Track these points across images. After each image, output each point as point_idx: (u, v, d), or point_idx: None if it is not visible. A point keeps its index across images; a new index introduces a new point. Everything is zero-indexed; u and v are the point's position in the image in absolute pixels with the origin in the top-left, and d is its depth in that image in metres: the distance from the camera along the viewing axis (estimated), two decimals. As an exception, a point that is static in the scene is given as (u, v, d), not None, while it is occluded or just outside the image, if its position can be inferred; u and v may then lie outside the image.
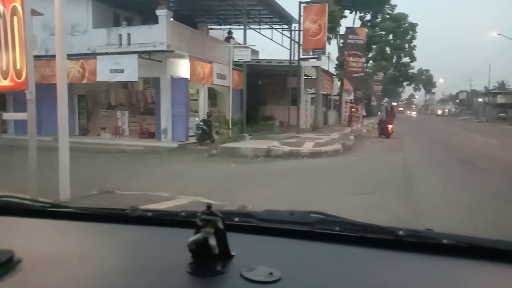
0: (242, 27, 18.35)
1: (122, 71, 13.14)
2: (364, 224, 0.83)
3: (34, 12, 4.82)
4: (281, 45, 21.06)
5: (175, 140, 14.17)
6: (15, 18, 4.50)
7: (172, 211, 0.89)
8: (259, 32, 19.73)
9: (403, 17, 36.30)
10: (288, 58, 20.00)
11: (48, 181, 5.30)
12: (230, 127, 14.96)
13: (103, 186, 6.55)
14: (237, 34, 20.44)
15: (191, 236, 0.70)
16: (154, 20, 14.43)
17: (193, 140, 14.39)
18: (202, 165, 10.49)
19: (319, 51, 18.65)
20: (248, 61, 15.16)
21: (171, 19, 14.19)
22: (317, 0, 18.94)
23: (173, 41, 13.81)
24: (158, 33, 13.72)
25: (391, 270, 0.74)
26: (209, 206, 0.73)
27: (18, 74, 4.61)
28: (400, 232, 0.80)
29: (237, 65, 15.94)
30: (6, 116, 5.13)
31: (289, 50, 20.40)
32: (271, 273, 0.67)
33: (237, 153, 11.92)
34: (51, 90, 12.28)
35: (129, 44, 14.12)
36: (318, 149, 12.34)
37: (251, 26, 19.03)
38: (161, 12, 13.62)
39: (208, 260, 0.68)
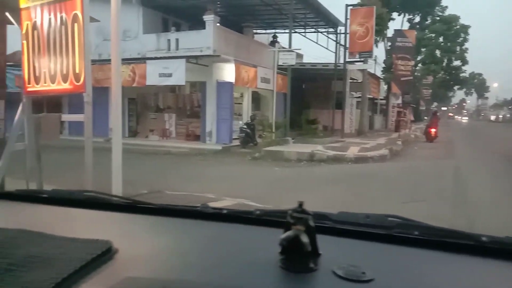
0: (287, 31, 18.39)
1: (170, 75, 13.55)
2: (443, 228, 0.81)
3: (91, 19, 5.07)
4: (327, 48, 20.86)
5: (220, 143, 14.39)
6: (75, 25, 4.75)
7: (246, 210, 0.90)
8: (304, 36, 19.65)
9: (454, 19, 34.83)
10: (333, 62, 19.74)
11: (101, 180, 5.54)
12: (273, 130, 14.97)
13: (152, 186, 6.78)
14: (282, 38, 20.54)
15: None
16: (201, 25, 14.77)
17: (236, 143, 14.55)
18: (245, 168, 10.57)
19: (366, 54, 18.28)
20: (292, 65, 15.12)
21: (218, 24, 14.46)
22: (364, 3, 18.59)
23: (219, 45, 14.07)
24: (205, 38, 14.02)
25: (476, 276, 0.72)
26: (300, 204, 0.74)
27: (77, 77, 4.84)
28: (484, 239, 0.79)
29: (281, 69, 15.96)
30: (64, 118, 5.42)
31: (334, 53, 20.16)
32: (364, 273, 0.68)
33: (280, 156, 11.91)
34: (102, 93, 13.03)
35: (177, 49, 14.55)
36: (364, 154, 12.06)
37: (296, 30, 18.98)
38: (208, 18, 13.91)
39: (297, 257, 0.68)
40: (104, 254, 0.66)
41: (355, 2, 18.93)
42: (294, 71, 15.88)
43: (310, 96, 22.39)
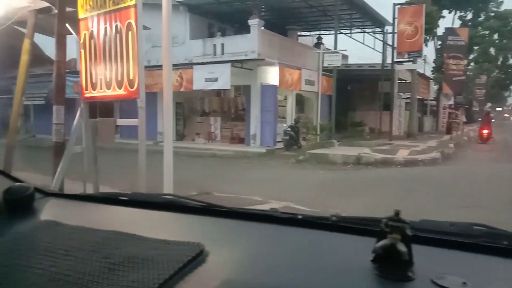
0: (332, 32, 18.16)
1: (216, 79, 13.80)
2: None
3: (143, 27, 5.27)
4: (373, 49, 20.35)
5: (264, 146, 14.44)
6: (129, 33, 4.95)
7: (321, 216, 0.90)
8: (350, 37, 19.30)
9: (511, 14, 32.74)
10: (380, 62, 19.23)
11: (153, 181, 5.74)
12: (318, 133, 14.80)
13: (200, 187, 6.92)
14: (326, 39, 20.27)
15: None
16: (246, 29, 14.93)
17: (280, 145, 14.53)
18: (290, 171, 10.53)
19: (415, 54, 17.65)
20: (338, 66, 14.90)
21: (262, 28, 14.55)
22: (413, 1, 17.98)
23: (263, 49, 14.15)
24: (250, 42, 14.15)
25: None
26: (397, 213, 0.73)
27: (131, 84, 5.04)
28: None
29: (326, 71, 15.77)
30: (119, 122, 5.67)
31: (381, 54, 19.62)
32: (464, 283, 0.65)
33: (325, 159, 11.75)
34: (151, 98, 13.44)
35: (222, 53, 14.79)
36: (414, 157, 11.63)
37: (342, 31, 18.69)
38: (253, 22, 14.04)
39: (391, 265, 0.67)
40: (197, 257, 0.68)
41: (403, 1, 18.29)
42: (339, 73, 15.64)
43: (355, 97, 21.92)
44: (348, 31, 19.51)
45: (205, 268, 0.67)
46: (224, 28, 17.54)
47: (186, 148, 14.01)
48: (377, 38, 20.44)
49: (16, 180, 0.94)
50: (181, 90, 14.96)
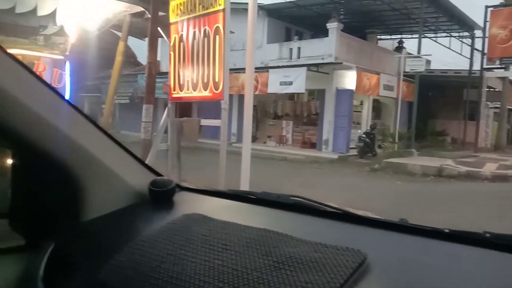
0: (414, 36, 17.30)
1: (291, 83, 13.80)
2: None
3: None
4: (460, 54, 19.00)
5: (336, 152, 14.14)
6: (217, 37, 5.12)
7: (469, 231, 0.83)
8: (435, 41, 18.22)
9: None
10: (467, 68, 17.90)
11: (229, 181, 5.87)
12: (396, 141, 14.14)
13: (272, 190, 6.93)
14: (407, 43, 19.32)
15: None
16: (322, 33, 14.75)
17: (354, 152, 14.13)
18: (364, 179, 10.17)
19: (508, 60, 16.16)
20: (421, 72, 14.13)
21: (341, 31, 14.29)
22: (508, 3, 16.48)
23: (341, 53, 13.87)
24: (327, 45, 13.96)
25: None
26: None
27: (216, 86, 5.20)
28: None
29: (406, 76, 15.04)
30: (203, 122, 5.89)
31: (468, 59, 18.26)
32: None
33: (403, 169, 11.18)
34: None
35: (298, 57, 14.77)
36: (504, 172, 10.62)
37: (426, 34, 17.71)
38: (332, 25, 13.84)
39: None
40: (361, 264, 0.65)
41: (497, 3, 16.84)
42: (421, 78, 14.83)
43: (437, 105, 20.60)
44: (433, 35, 18.43)
45: (370, 278, 0.63)
46: (301, 32, 17.49)
47: (257, 150, 14.16)
48: (465, 43, 19.07)
49: (157, 174, 1.00)
50: (256, 93, 15.18)
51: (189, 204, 0.97)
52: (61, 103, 0.81)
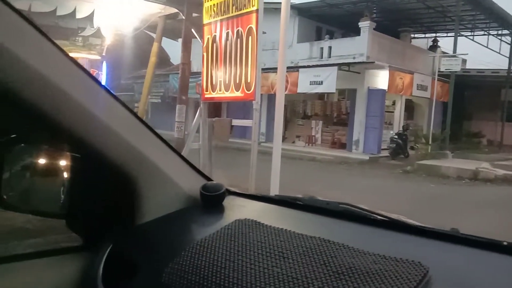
0: (450, 34, 16.77)
1: (321, 83, 13.69)
2: None
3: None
4: (498, 53, 18.26)
5: (367, 153, 13.92)
6: (250, 37, 5.14)
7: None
8: (471, 39, 17.59)
9: None
10: (506, 67, 17.19)
11: (258, 180, 5.88)
12: (430, 142, 13.74)
13: (302, 190, 6.91)
14: (442, 42, 18.75)
15: None
16: (354, 32, 14.52)
17: (385, 153, 13.86)
18: (396, 182, 9.95)
19: (551, 59, 15.41)
20: (456, 71, 13.68)
21: (373, 30, 14.04)
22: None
23: (373, 52, 13.63)
24: (359, 45, 13.75)
25: None
26: None
27: (248, 86, 5.22)
28: None
29: (441, 75, 14.59)
30: (235, 122, 5.93)
31: (508, 58, 17.52)
32: None
33: (437, 172, 10.86)
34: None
35: (329, 56, 14.61)
36: (545, 177, 10.14)
37: (462, 33, 17.13)
38: (364, 24, 13.62)
39: None
40: (423, 278, 0.64)
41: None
42: (455, 78, 14.37)
43: (473, 105, 19.87)
44: (470, 33, 17.79)
45: None
46: (332, 31, 17.29)
47: (286, 150, 14.09)
48: (504, 41, 18.30)
49: (207, 178, 1.01)
50: (285, 93, 15.12)
51: (239, 209, 0.98)
52: (116, 105, 0.82)
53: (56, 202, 0.89)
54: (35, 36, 0.68)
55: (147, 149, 0.85)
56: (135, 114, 0.85)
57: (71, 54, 0.75)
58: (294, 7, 15.66)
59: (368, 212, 0.92)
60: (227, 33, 5.46)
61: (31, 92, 0.68)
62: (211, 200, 0.94)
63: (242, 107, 13.46)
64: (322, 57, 14.92)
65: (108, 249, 0.84)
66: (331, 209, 0.93)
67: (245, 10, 5.09)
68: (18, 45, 0.65)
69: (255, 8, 4.95)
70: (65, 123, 0.73)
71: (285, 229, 0.79)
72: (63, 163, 0.90)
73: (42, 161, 0.90)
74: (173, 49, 16.27)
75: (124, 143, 0.81)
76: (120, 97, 0.86)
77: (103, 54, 7.02)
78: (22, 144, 0.88)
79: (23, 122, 0.82)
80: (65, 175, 0.89)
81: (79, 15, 6.89)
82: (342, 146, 15.23)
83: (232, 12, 5.30)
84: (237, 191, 1.07)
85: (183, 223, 0.91)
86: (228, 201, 0.98)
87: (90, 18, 6.97)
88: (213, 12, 5.65)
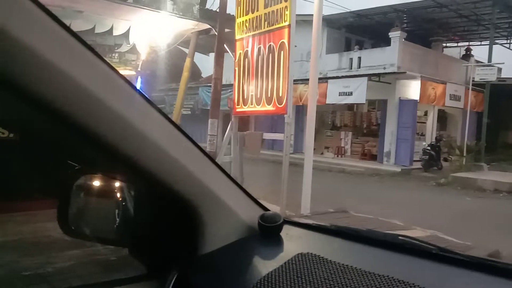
0: (483, 43, 16.32)
1: (350, 93, 13.58)
2: None
3: (293, 46, 5.46)
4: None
5: (398, 164, 13.64)
6: (281, 52, 5.21)
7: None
8: (508, 47, 17.04)
9: None
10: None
11: (288, 192, 5.87)
12: (464, 154, 13.33)
13: (334, 204, 6.84)
14: (475, 51, 18.24)
15: None
16: (384, 42, 14.37)
17: (417, 165, 13.54)
18: (429, 195, 9.70)
19: None
20: (492, 81, 13.27)
21: (403, 40, 13.85)
22: None
23: (404, 62, 13.43)
24: (390, 55, 13.59)
25: None
26: None
27: (280, 100, 5.28)
28: None
29: (475, 85, 14.19)
30: (266, 136, 5.98)
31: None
32: None
33: (472, 185, 10.51)
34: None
35: (359, 67, 14.50)
36: None
37: (497, 41, 16.63)
38: (394, 34, 13.47)
39: None
40: None
41: None
42: (490, 87, 13.94)
43: (509, 115, 19.14)
44: (505, 41, 17.25)
45: None
46: (362, 41, 17.18)
47: (315, 162, 13.84)
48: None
49: (264, 208, 1.02)
50: (314, 103, 15.10)
51: (297, 241, 0.98)
52: (177, 133, 0.82)
53: (120, 231, 0.92)
54: (88, 55, 0.65)
55: (208, 179, 0.86)
56: (195, 143, 0.85)
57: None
58: (323, 19, 15.64)
59: (427, 244, 0.89)
60: (259, 48, 5.55)
61: (94, 122, 0.66)
62: (270, 231, 0.94)
63: (270, 119, 13.51)
64: (351, 68, 14.82)
65: (174, 279, 0.84)
66: (389, 241, 0.92)
67: (277, 26, 5.18)
68: (79, 70, 0.62)
69: (287, 23, 5.03)
70: (128, 153, 0.72)
71: (351, 266, 0.78)
72: (127, 192, 0.93)
73: (106, 190, 0.93)
74: (204, 62, 16.61)
75: (187, 172, 0.81)
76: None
77: (138, 69, 7.26)
78: (87, 175, 0.91)
79: (87, 153, 0.83)
80: (129, 204, 0.92)
81: (116, 32, 7.18)
82: (373, 157, 14.98)
83: (264, 28, 5.40)
84: (293, 220, 1.07)
85: (245, 253, 0.91)
86: (286, 231, 0.97)
87: (126, 35, 7.24)
88: (245, 28, 5.76)
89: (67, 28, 0.61)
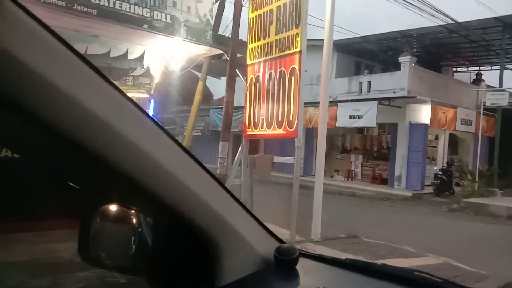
0: (494, 67, 16.34)
1: (360, 117, 13.60)
2: None
3: (303, 71, 5.54)
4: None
5: (409, 189, 13.48)
6: (292, 77, 5.29)
7: None
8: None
9: None
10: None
11: (297, 216, 5.82)
12: (477, 179, 13.15)
13: (345, 229, 6.77)
14: (486, 75, 18.23)
15: None
16: (393, 66, 14.47)
17: (429, 190, 13.36)
18: (442, 220, 9.53)
19: None
20: (503, 105, 13.21)
21: (413, 64, 13.94)
22: None
23: (414, 86, 13.48)
24: (400, 79, 13.66)
25: None
26: None
27: (290, 124, 5.32)
28: None
29: (486, 109, 14.12)
30: (276, 159, 6.00)
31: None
32: None
33: (485, 210, 10.34)
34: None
35: (369, 91, 14.57)
36: None
37: (507, 66, 16.63)
38: (404, 59, 13.57)
39: None
40: None
41: None
42: (503, 112, 13.85)
43: (522, 140, 18.95)
44: (516, 66, 17.24)
45: None
46: (371, 65, 17.32)
47: (325, 185, 13.74)
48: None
49: (280, 240, 1.01)
50: (324, 126, 15.13)
51: (313, 275, 0.98)
52: (192, 162, 0.81)
53: (137, 260, 0.92)
54: (97, 80, 0.64)
55: (225, 211, 0.86)
56: (211, 174, 0.85)
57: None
58: (333, 44, 15.89)
59: (442, 279, 0.89)
60: (270, 73, 5.64)
61: (114, 153, 0.66)
62: (286, 264, 0.94)
63: (279, 141, 13.54)
64: (361, 92, 14.90)
65: None
66: (404, 276, 0.92)
67: (288, 52, 5.28)
68: (91, 97, 0.61)
69: (298, 49, 5.12)
70: (147, 183, 0.72)
71: None
72: (143, 221, 0.94)
73: (125, 220, 0.94)
74: (216, 85, 16.83)
75: (205, 204, 0.82)
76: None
77: (151, 92, 7.41)
78: (106, 204, 0.92)
79: (107, 183, 0.84)
80: (146, 233, 0.93)
81: (131, 56, 7.36)
82: (383, 181, 14.85)
83: (275, 54, 5.50)
84: (309, 252, 1.07)
85: (262, 287, 0.91)
86: (301, 264, 0.97)
87: (140, 59, 7.43)
88: (256, 53, 5.87)
89: (76, 52, 0.60)
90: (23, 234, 4.57)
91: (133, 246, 0.94)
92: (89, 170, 0.77)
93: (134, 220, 0.94)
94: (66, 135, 0.60)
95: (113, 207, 0.93)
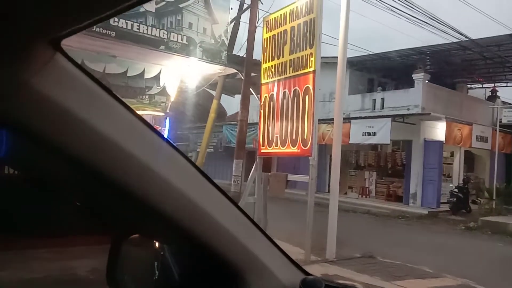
0: (509, 84, 16.18)
1: (374, 134, 13.54)
2: None
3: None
4: None
5: (425, 206, 13.28)
6: (306, 96, 5.34)
7: None
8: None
9: None
10: None
11: (312, 232, 5.77)
12: (494, 197, 12.90)
13: (360, 248, 6.69)
14: (502, 92, 18.04)
15: None
16: (407, 83, 14.43)
17: (445, 208, 13.14)
18: (458, 239, 9.35)
19: None
20: (519, 123, 13.04)
21: (427, 81, 13.90)
22: None
23: (428, 103, 13.41)
24: (413, 96, 13.62)
25: None
26: None
27: (304, 142, 5.35)
28: None
29: (503, 126, 13.94)
30: (290, 177, 6.02)
31: None
32: None
33: (503, 229, 10.11)
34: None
35: (382, 108, 14.54)
36: None
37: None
38: (418, 76, 13.55)
39: None
40: None
41: None
42: (520, 129, 13.68)
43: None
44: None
45: None
46: (384, 82, 17.31)
47: (338, 202, 13.77)
48: None
49: (305, 271, 1.01)
50: (337, 143, 15.09)
51: None
52: (213, 190, 0.81)
53: (161, 287, 0.95)
54: (111, 103, 0.64)
55: (251, 242, 0.86)
56: (238, 206, 0.87)
57: (138, 112, 0.69)
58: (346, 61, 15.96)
59: None
60: (284, 92, 5.71)
61: (138, 184, 0.66)
62: None
63: (292, 158, 13.54)
64: (374, 109, 14.87)
65: None
66: None
67: (302, 71, 5.35)
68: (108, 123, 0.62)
69: (312, 69, 5.19)
70: (172, 215, 0.72)
71: None
72: (167, 250, 0.96)
73: (149, 249, 0.98)
74: (230, 103, 17.01)
75: (231, 235, 0.82)
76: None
77: (167, 110, 7.54)
78: (134, 235, 0.96)
79: (136, 217, 0.85)
80: (171, 261, 0.95)
81: (147, 75, 7.53)
82: (398, 199, 14.65)
83: (289, 73, 5.58)
84: (334, 285, 1.07)
85: None
86: None
87: (157, 77, 7.59)
88: (270, 73, 5.96)
89: (89, 75, 0.60)
90: (39, 251, 4.65)
91: (156, 272, 0.96)
92: (118, 202, 0.78)
93: (158, 248, 0.97)
94: (75, 157, 0.60)
95: (139, 237, 0.96)
